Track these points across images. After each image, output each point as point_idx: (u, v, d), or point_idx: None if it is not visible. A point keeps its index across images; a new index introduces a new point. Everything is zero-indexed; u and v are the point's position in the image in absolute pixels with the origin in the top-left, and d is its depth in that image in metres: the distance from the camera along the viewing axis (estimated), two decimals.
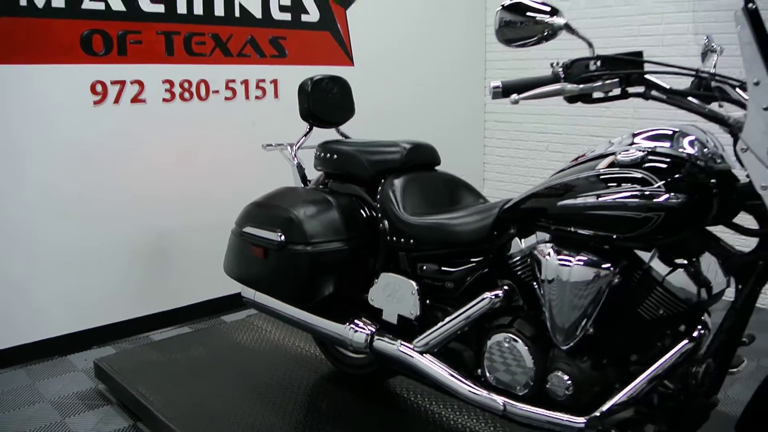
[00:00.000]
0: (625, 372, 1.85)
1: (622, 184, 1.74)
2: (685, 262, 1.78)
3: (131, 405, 2.86)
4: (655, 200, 1.67)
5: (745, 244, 1.71)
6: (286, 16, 4.03)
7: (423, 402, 2.71)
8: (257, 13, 3.89)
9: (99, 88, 3.39)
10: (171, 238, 3.70)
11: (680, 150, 1.71)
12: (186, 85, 3.68)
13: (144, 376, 2.95)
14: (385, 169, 2.50)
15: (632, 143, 1.81)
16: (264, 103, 3.97)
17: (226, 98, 3.85)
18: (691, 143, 1.72)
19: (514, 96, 1.65)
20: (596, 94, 1.68)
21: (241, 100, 3.90)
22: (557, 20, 1.63)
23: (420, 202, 2.40)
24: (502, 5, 1.66)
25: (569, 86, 1.63)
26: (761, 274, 1.67)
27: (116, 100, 3.46)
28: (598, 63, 1.63)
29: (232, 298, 3.49)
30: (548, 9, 1.64)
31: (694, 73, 1.62)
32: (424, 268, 2.31)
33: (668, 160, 1.70)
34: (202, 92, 3.75)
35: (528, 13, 1.64)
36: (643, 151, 1.74)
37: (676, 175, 1.68)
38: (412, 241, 2.32)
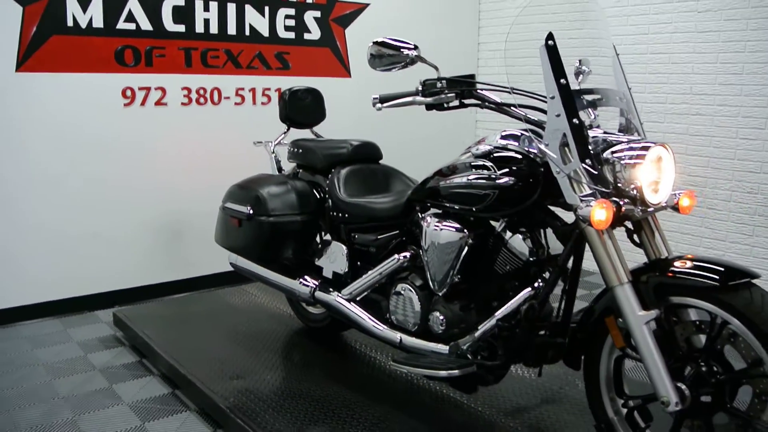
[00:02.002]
0: (486, 313, 2.45)
1: (475, 170, 2.37)
2: (524, 230, 2.39)
3: (139, 345, 3.59)
4: (490, 182, 2.30)
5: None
6: (291, 35, 4.74)
7: (368, 351, 3.36)
8: (265, 32, 4.62)
9: (129, 93, 4.16)
10: (185, 220, 4.43)
11: (516, 146, 2.33)
12: (202, 91, 4.42)
13: (150, 324, 3.67)
14: (335, 161, 3.17)
15: (496, 139, 2.43)
16: (269, 108, 4.67)
17: (236, 103, 4.58)
18: (526, 141, 2.32)
19: (378, 105, 2.31)
20: (453, 104, 2.32)
21: (249, 106, 4.63)
22: (412, 53, 2.28)
23: (357, 187, 3.06)
24: (374, 41, 2.32)
25: (419, 98, 2.29)
26: (577, 239, 2.24)
27: (143, 103, 4.22)
28: (443, 82, 2.27)
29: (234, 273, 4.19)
30: (407, 45, 2.30)
31: (509, 89, 2.23)
32: (356, 236, 2.98)
33: (505, 154, 2.33)
34: (216, 98, 4.49)
35: (392, 48, 2.30)
36: (491, 147, 2.37)
37: (508, 165, 2.30)
38: (347, 216, 2.98)
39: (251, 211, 3.09)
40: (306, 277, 3.10)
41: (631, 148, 2.10)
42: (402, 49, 2.31)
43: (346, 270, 2.97)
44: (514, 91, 2.24)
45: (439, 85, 2.28)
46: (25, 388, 3.17)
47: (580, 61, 2.52)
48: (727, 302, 1.91)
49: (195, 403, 3.02)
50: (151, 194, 4.32)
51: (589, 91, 2.26)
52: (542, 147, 2.19)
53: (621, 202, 2.05)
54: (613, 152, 2.12)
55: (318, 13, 4.85)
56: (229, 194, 3.30)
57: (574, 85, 2.29)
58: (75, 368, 3.39)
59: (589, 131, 2.19)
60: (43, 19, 3.80)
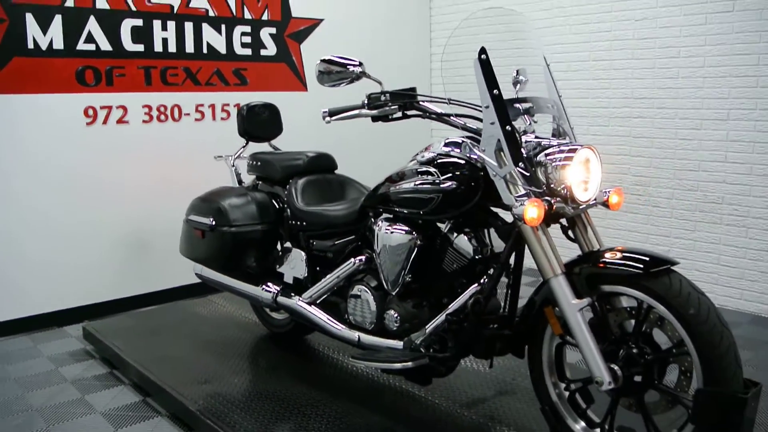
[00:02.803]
0: (437, 309, 2.61)
1: (420, 176, 2.55)
2: (468, 230, 2.56)
3: (110, 357, 3.69)
4: (435, 187, 2.48)
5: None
6: (248, 51, 4.89)
7: (330, 352, 3.51)
8: (222, 50, 4.76)
9: (90, 112, 4.26)
10: (150, 234, 4.54)
11: (458, 153, 2.51)
12: (162, 108, 4.55)
13: (120, 336, 3.77)
14: (292, 173, 3.32)
15: (440, 147, 2.60)
16: (228, 123, 4.80)
17: (196, 119, 4.71)
18: (467, 148, 2.50)
19: (327, 118, 2.48)
20: (396, 115, 2.50)
21: (209, 121, 4.76)
22: (357, 69, 2.46)
23: (313, 196, 3.22)
24: (321, 59, 2.49)
25: (365, 111, 2.46)
26: (517, 237, 2.42)
27: (105, 122, 4.33)
28: (387, 96, 2.45)
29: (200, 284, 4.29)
30: (352, 61, 2.47)
31: (446, 101, 2.41)
32: (314, 243, 3.13)
33: (447, 160, 2.51)
34: (176, 115, 4.61)
35: (338, 65, 2.47)
36: (435, 154, 2.55)
37: (451, 170, 2.47)
38: (305, 223, 3.14)
39: (213, 222, 3.22)
40: (268, 283, 3.24)
41: (561, 151, 2.28)
42: (348, 66, 2.48)
43: (306, 275, 3.13)
44: (452, 102, 2.42)
45: (383, 98, 2.46)
46: None
47: (517, 71, 2.70)
48: (649, 288, 2.11)
49: (166, 408, 3.14)
50: (116, 210, 4.41)
51: (523, 100, 2.45)
52: (479, 153, 2.37)
53: (552, 201, 2.24)
54: (545, 155, 2.31)
55: (273, 30, 5.00)
56: (191, 207, 3.43)
57: (509, 94, 2.48)
58: (47, 381, 3.48)
59: (523, 136, 2.38)
60: (4, 41, 3.89)
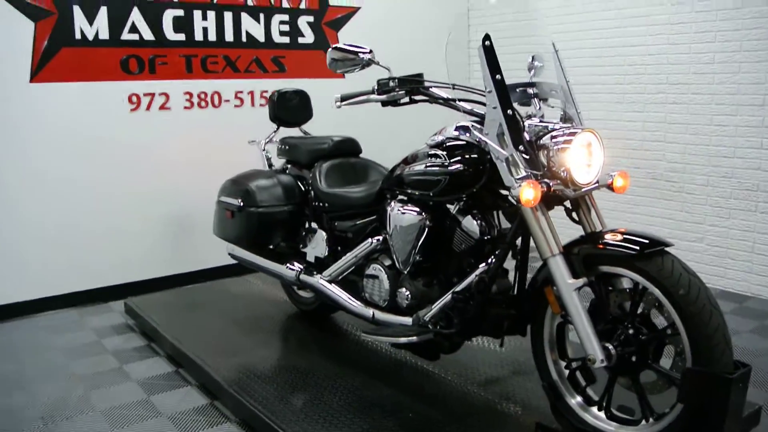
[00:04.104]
0: (447, 288, 2.70)
1: (430, 159, 2.64)
2: (476, 212, 2.64)
3: (148, 331, 3.91)
4: (443, 169, 2.56)
5: None
6: (286, 39, 5.04)
7: (353, 330, 3.65)
8: (261, 38, 4.92)
9: (134, 99, 4.48)
10: (189, 215, 4.74)
11: (468, 137, 2.58)
12: (203, 95, 4.74)
13: (158, 312, 3.99)
14: (318, 156, 3.45)
15: (450, 131, 2.68)
16: (266, 109, 4.93)
17: (236, 105, 4.89)
18: (474, 132, 2.57)
19: (339, 103, 2.60)
20: (404, 100, 2.60)
21: (248, 107, 4.93)
22: (367, 56, 2.56)
23: (336, 179, 3.34)
24: (332, 46, 2.60)
25: (374, 96, 2.56)
26: (521, 219, 2.47)
27: (148, 108, 4.54)
28: (395, 81, 2.54)
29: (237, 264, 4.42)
30: (362, 49, 2.57)
31: (450, 86, 2.49)
32: (336, 224, 3.26)
33: (456, 143, 2.59)
34: (216, 101, 4.80)
35: (349, 53, 2.58)
36: (444, 137, 2.64)
37: (459, 153, 2.56)
38: (327, 205, 3.26)
39: (242, 203, 3.38)
40: (294, 262, 3.39)
41: (562, 134, 2.34)
42: (359, 53, 2.59)
43: (327, 254, 3.26)
44: (456, 87, 2.50)
45: (391, 83, 2.55)
46: (42, 368, 3.50)
47: (533, 57, 2.76)
48: (642, 269, 2.15)
49: (195, 378, 3.33)
50: (157, 193, 4.63)
51: (529, 85, 2.51)
52: (482, 136, 2.44)
53: (551, 183, 2.30)
54: (548, 138, 2.37)
55: (311, 18, 5.14)
56: (222, 189, 3.60)
57: (520, 79, 2.55)
58: (89, 351, 3.72)
59: (528, 120, 2.45)
60: (53, 32, 4.13)
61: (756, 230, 4.40)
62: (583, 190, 2.38)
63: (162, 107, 4.59)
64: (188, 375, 3.39)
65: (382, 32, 5.46)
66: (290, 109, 3.79)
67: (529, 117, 2.48)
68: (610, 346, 2.24)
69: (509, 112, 2.34)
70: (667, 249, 2.20)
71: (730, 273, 4.56)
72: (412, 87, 2.55)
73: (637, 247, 2.18)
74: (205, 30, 4.67)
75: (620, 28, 4.95)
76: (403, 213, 2.74)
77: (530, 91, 2.49)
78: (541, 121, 2.46)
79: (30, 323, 4.18)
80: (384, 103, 2.61)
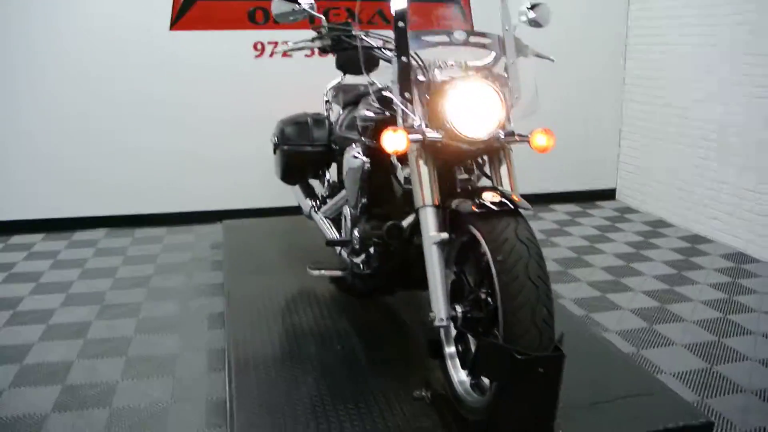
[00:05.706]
0: None
1: (367, 105, 2.74)
2: None
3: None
4: (370, 115, 2.65)
5: None
6: None
7: None
8: None
9: (259, 46, 5.04)
10: None
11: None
12: None
13: (236, 233, 4.50)
14: (350, 102, 3.64)
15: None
16: None
17: None
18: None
19: (285, 48, 2.80)
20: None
21: None
22: (301, 6, 2.68)
23: (355, 124, 3.50)
24: None
25: (309, 43, 2.72)
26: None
27: (271, 55, 5.07)
28: (325, 29, 2.67)
29: None
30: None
31: (362, 34, 2.54)
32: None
33: (387, 93, 2.63)
34: None
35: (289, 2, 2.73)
36: (382, 86, 2.70)
37: (387, 100, 2.61)
38: (338, 147, 3.47)
39: (277, 141, 3.74)
40: (316, 199, 3.68)
41: (450, 85, 2.27)
42: (297, 3, 2.73)
43: (327, 194, 3.50)
44: (364, 37, 2.57)
45: (323, 31, 2.69)
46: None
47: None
48: (480, 229, 2.06)
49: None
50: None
51: (445, 33, 2.47)
52: (389, 83, 2.47)
53: (428, 134, 2.26)
54: (436, 88, 2.32)
55: None
56: (275, 129, 3.98)
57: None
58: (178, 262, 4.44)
59: (438, 69, 2.40)
60: None
61: None
62: (481, 145, 2.30)
63: (284, 54, 5.07)
64: None
65: None
66: (351, 57, 3.98)
67: (449, 66, 2.42)
68: (459, 307, 2.20)
69: (403, 58, 2.35)
70: (521, 213, 2.06)
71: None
72: (339, 34, 2.66)
73: (491, 206, 2.07)
74: None
75: None
76: (348, 157, 2.87)
77: (428, 39, 2.43)
78: (448, 69, 2.41)
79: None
80: (321, 51, 2.76)
